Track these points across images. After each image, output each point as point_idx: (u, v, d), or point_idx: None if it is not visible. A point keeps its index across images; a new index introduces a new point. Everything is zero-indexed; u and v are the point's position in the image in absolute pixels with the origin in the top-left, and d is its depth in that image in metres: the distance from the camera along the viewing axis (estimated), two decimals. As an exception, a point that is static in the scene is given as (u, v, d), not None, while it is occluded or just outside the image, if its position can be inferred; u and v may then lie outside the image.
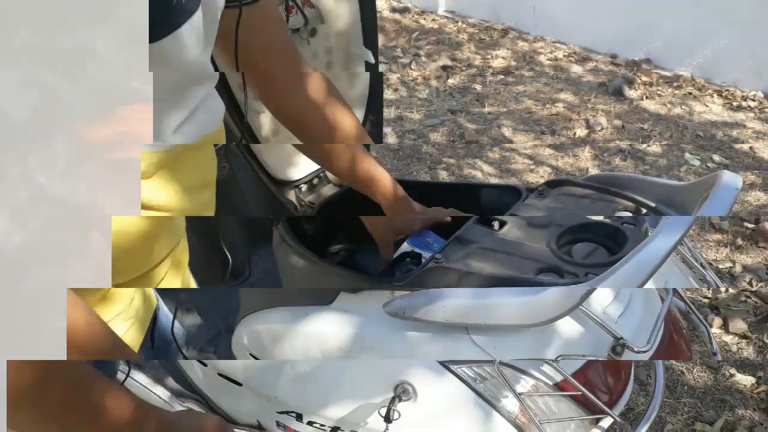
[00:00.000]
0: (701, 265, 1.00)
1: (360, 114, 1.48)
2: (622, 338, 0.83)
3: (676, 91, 3.56)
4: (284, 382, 1.04)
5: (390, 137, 3.23)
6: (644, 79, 3.68)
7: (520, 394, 0.86)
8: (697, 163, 2.88)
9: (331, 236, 1.50)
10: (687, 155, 2.92)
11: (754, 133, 3.13)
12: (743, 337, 1.91)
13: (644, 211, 1.03)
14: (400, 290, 0.94)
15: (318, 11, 1.29)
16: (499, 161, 2.95)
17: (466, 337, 0.89)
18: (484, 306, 0.85)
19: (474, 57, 4.23)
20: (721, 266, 2.21)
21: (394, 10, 5.13)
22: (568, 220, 1.03)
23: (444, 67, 4.01)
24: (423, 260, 1.07)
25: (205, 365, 1.23)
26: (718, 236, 2.38)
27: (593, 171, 2.82)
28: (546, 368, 0.88)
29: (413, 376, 0.91)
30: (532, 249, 0.98)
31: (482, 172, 2.86)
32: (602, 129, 3.15)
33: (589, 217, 1.04)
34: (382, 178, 1.04)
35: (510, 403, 0.89)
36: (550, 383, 0.89)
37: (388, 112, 3.46)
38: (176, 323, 1.15)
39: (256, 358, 1.10)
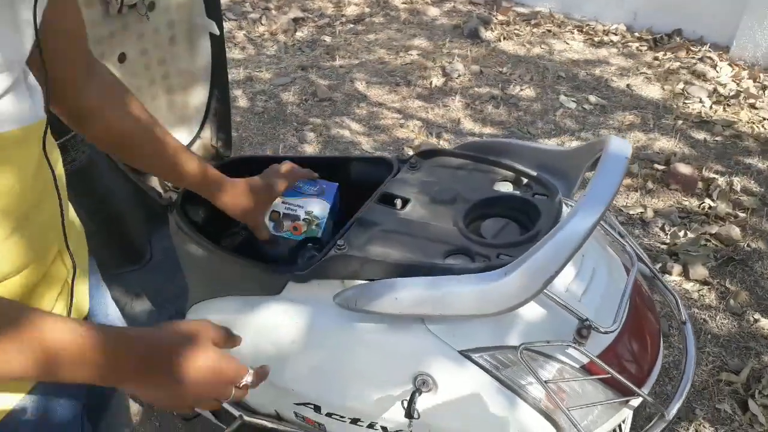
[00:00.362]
0: (620, 234, 1.00)
1: (205, 90, 1.33)
2: (587, 319, 0.81)
3: (535, 30, 3.63)
4: (298, 374, 0.99)
5: (241, 100, 3.03)
6: (501, 18, 3.72)
7: (546, 381, 0.82)
8: (572, 105, 2.92)
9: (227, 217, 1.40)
10: (562, 98, 2.96)
11: (618, 69, 3.22)
12: (704, 283, 1.90)
13: (525, 180, 1.02)
14: (299, 281, 0.93)
15: (151, -18, 1.11)
16: (366, 118, 2.88)
17: (422, 327, 0.86)
18: (439, 297, 0.81)
19: (326, 6, 4.06)
20: (632, 212, 2.21)
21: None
22: (475, 193, 1.00)
23: (295, 20, 3.81)
24: (321, 241, 1.07)
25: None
26: (627, 180, 2.36)
27: (465, 121, 2.83)
28: (571, 350, 0.84)
29: (432, 366, 0.86)
30: (439, 229, 0.94)
31: (350, 131, 2.78)
32: (460, 76, 3.18)
33: (497, 188, 1.01)
34: (202, 168, 0.96)
35: (535, 390, 0.85)
36: (576, 366, 0.85)
37: (237, 73, 3.24)
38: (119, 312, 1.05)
39: None
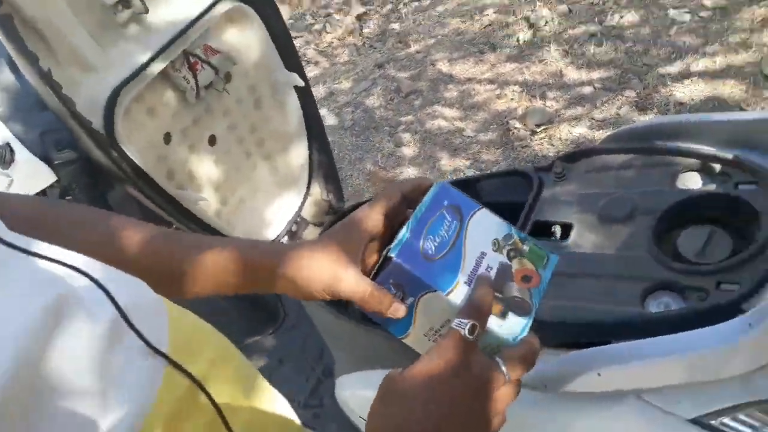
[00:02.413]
0: None
1: (303, 145, 1.22)
2: None
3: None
4: None
5: (328, 118, 2.93)
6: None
7: None
8: (686, 17, 2.52)
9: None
10: (671, 12, 2.57)
11: None
12: None
13: (718, 167, 0.80)
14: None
15: (224, 54, 1.02)
16: (458, 99, 2.68)
17: (637, 402, 0.67)
18: (659, 367, 0.63)
19: (384, -10, 3.86)
20: None
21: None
22: (658, 199, 0.79)
23: (358, 17, 3.65)
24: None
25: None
26: None
27: (569, 71, 2.54)
28: None
29: None
30: (624, 259, 0.75)
31: (445, 119, 2.59)
32: (547, 22, 2.87)
33: (682, 186, 0.80)
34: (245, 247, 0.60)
35: None
36: None
37: (317, 90, 3.15)
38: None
39: None
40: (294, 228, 1.27)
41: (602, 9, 2.79)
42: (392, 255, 0.48)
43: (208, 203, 1.10)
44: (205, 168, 1.09)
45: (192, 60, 0.96)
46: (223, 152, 1.12)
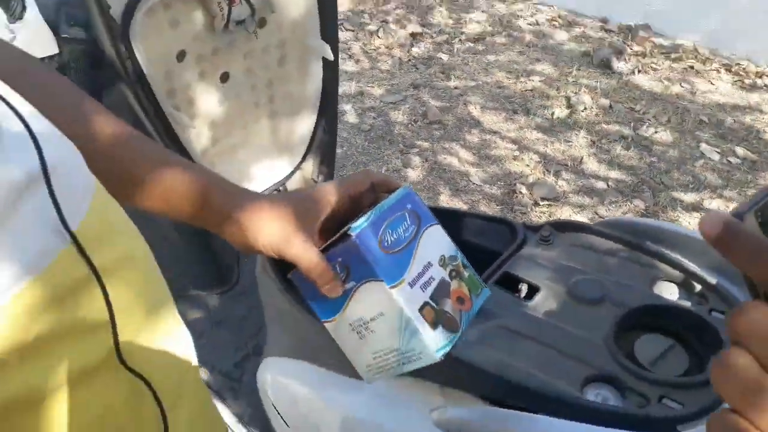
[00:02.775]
0: None
1: (311, 118, 1.18)
2: None
3: (675, 65, 3.22)
4: None
5: (349, 115, 2.91)
6: (636, 48, 3.36)
7: None
8: (716, 156, 2.53)
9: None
10: (704, 146, 2.58)
11: None
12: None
13: (698, 287, 0.77)
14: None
15: (265, -2, 0.98)
16: (478, 145, 2.67)
17: None
18: None
19: (446, 22, 3.88)
20: None
21: (360, -32, 4.71)
22: (631, 295, 0.77)
23: (413, 35, 3.66)
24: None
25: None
26: None
27: (589, 161, 2.54)
28: None
29: None
30: (578, 340, 0.73)
31: (459, 159, 2.58)
32: (586, 109, 2.88)
33: (658, 292, 0.79)
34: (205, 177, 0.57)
35: None
36: None
37: (349, 87, 3.13)
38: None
39: (283, 419, 0.97)
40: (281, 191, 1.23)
41: (641, 118, 2.81)
42: (352, 234, 0.47)
43: (198, 137, 1.06)
44: (208, 101, 1.05)
45: (234, -11, 0.93)
46: (232, 94, 1.08)
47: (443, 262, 0.51)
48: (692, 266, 0.78)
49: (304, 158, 1.21)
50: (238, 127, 1.13)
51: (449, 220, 1.10)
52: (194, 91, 1.01)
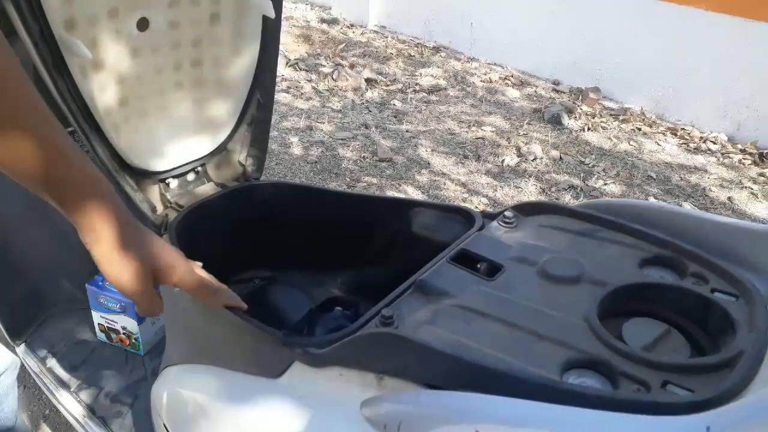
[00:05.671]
0: None
1: (244, 90, 1.03)
2: None
3: (623, 125, 3.27)
4: None
5: (296, 147, 2.78)
6: (585, 109, 3.42)
7: None
8: None
9: (240, 256, 1.06)
10: (652, 200, 2.59)
11: (718, 180, 2.79)
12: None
13: (692, 268, 0.63)
14: (311, 363, 0.58)
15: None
16: (426, 185, 2.56)
17: None
18: None
19: (401, 73, 3.88)
20: None
21: (323, 20, 4.73)
22: (616, 274, 0.62)
23: (368, 80, 3.62)
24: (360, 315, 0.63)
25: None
26: None
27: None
28: None
29: None
30: (555, 321, 0.57)
31: (407, 196, 2.45)
32: (536, 158, 2.85)
33: (648, 273, 0.64)
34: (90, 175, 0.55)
35: None
36: None
37: (297, 121, 3.02)
38: None
39: None
40: (190, 176, 1.04)
41: (590, 170, 2.80)
42: None
43: (101, 90, 0.88)
44: (118, 49, 0.88)
45: None
46: (149, 46, 0.92)
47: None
48: (684, 245, 0.65)
49: (231, 137, 1.04)
50: (153, 89, 0.96)
51: (398, 211, 0.95)
52: (101, 30, 0.84)
